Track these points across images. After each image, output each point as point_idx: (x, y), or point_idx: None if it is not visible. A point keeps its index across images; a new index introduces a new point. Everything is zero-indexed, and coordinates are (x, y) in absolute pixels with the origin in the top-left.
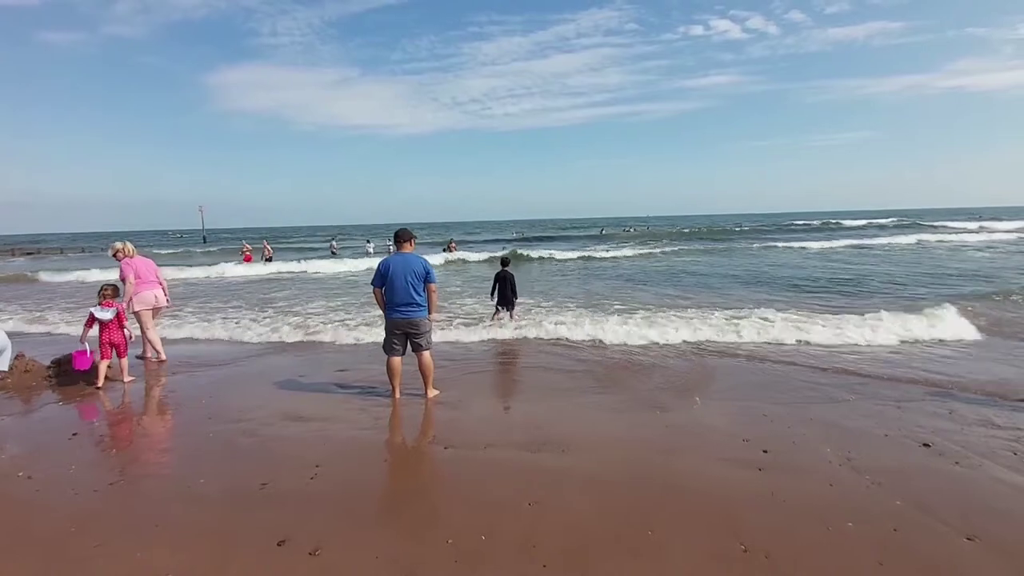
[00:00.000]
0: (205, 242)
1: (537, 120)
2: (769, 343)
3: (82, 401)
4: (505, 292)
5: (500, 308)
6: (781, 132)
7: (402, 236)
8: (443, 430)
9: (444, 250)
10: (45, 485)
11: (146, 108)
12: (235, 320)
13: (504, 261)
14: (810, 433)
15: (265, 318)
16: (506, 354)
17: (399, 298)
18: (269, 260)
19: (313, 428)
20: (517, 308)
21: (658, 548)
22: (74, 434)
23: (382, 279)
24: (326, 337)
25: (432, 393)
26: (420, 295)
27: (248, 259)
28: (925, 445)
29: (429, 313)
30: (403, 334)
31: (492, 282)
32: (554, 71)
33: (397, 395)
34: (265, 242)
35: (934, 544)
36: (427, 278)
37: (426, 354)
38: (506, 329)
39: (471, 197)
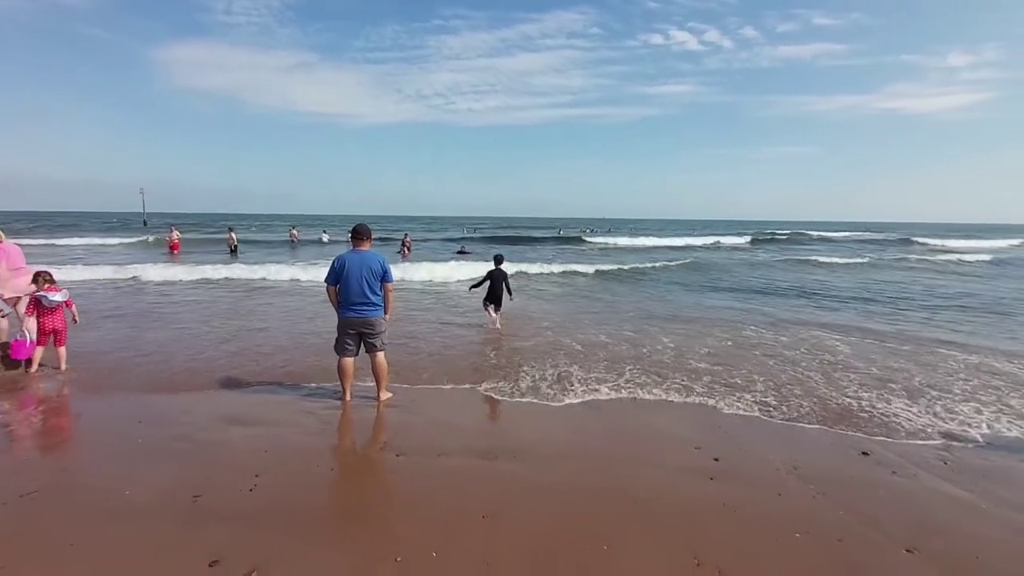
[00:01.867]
0: (146, 226)
1: (501, 118)
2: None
3: (3, 398)
4: (495, 290)
5: (488, 305)
6: (733, 142)
7: (361, 233)
8: (395, 436)
9: (400, 250)
10: None
11: (88, 82)
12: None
13: (498, 259)
14: (757, 440)
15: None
16: (467, 355)
17: (354, 296)
18: (234, 251)
19: (254, 433)
20: (503, 309)
21: (614, 564)
22: None
23: (336, 277)
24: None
25: (385, 396)
26: (376, 294)
27: (175, 247)
28: (864, 454)
29: (385, 313)
30: (357, 334)
31: (481, 279)
32: (518, 69)
33: (348, 398)
34: (231, 231)
35: (876, 556)
36: (384, 277)
37: (380, 355)
38: (495, 327)
39: (432, 193)
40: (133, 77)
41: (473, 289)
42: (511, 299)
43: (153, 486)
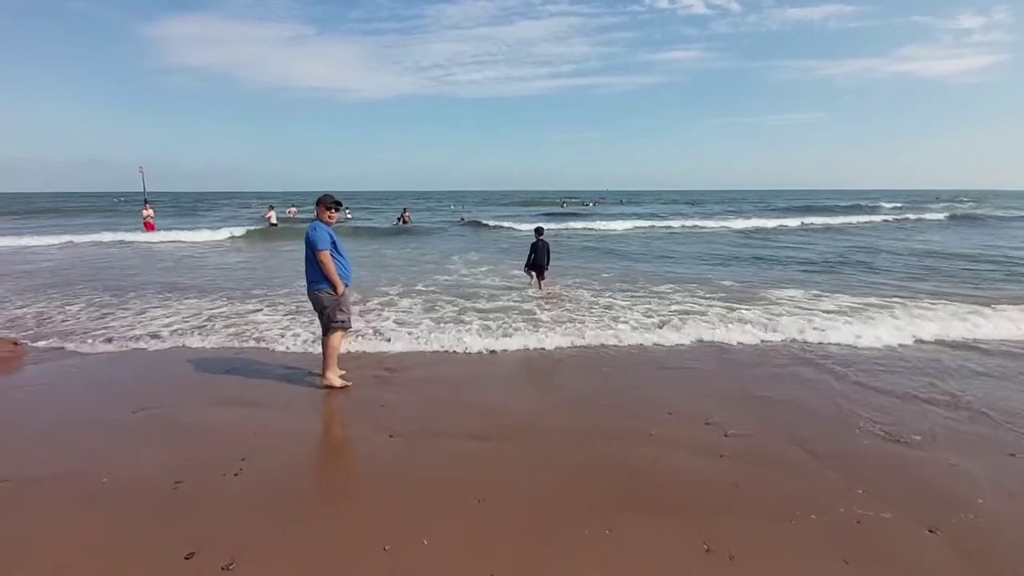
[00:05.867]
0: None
1: (502, 89)
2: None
3: None
4: (539, 259)
5: (530, 272)
6: (740, 110)
7: (319, 202)
8: (388, 416)
9: (398, 220)
10: None
11: (80, 60)
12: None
13: (539, 230)
14: (768, 415)
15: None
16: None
17: (306, 273)
18: (274, 225)
19: (242, 415)
20: (546, 275)
21: (615, 549)
22: None
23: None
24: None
25: (330, 379)
26: (313, 266)
27: (150, 228)
28: (880, 428)
29: (329, 286)
30: (317, 311)
31: (528, 254)
32: (519, 38)
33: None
34: (268, 208)
35: (896, 537)
36: (312, 245)
37: (331, 334)
38: (536, 294)
39: (432, 167)
40: (128, 54)
41: (527, 269)
42: (547, 268)
43: (132, 473)
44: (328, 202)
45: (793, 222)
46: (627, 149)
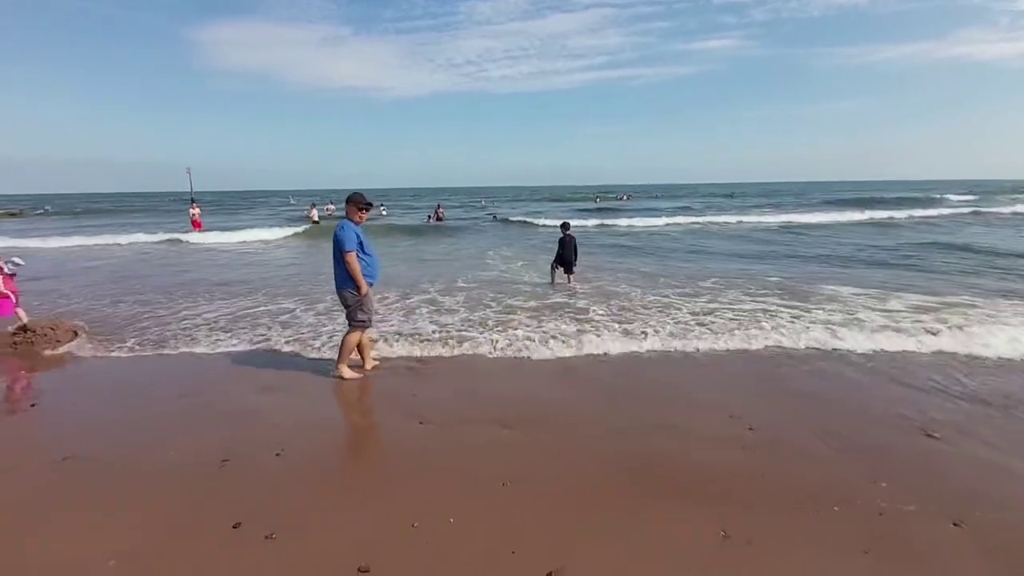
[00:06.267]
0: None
1: (534, 83)
2: None
3: (45, 368)
4: (566, 254)
5: (558, 268)
6: (782, 99)
7: (350, 201)
8: (419, 404)
9: (430, 217)
10: None
11: (129, 65)
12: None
13: (565, 225)
14: (794, 410)
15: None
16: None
17: (334, 271)
18: (315, 223)
19: (281, 403)
20: (575, 271)
21: (633, 534)
22: (32, 405)
23: None
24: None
25: (340, 371)
26: (339, 265)
27: (197, 226)
28: (911, 422)
29: (354, 286)
30: (343, 307)
31: (557, 250)
32: (552, 31)
33: (366, 366)
34: (311, 205)
35: (920, 530)
36: (339, 246)
37: (350, 332)
38: (565, 289)
39: (463, 163)
40: (176, 58)
41: (555, 264)
42: (575, 264)
43: (184, 451)
44: (361, 202)
45: (855, 215)
46: (662, 142)
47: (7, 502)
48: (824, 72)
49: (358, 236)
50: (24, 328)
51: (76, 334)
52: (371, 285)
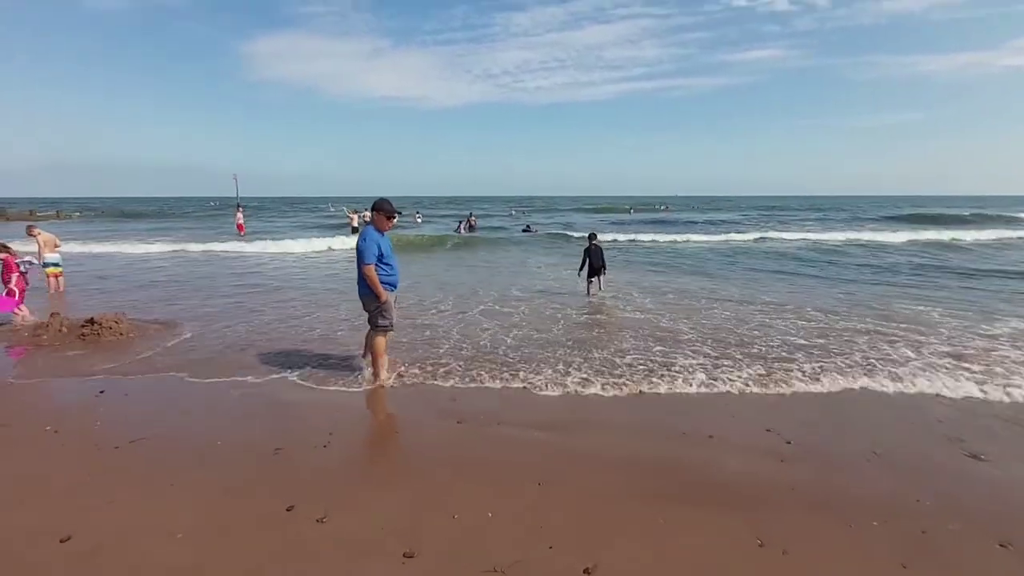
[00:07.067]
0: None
1: (570, 94)
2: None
3: (107, 357)
4: (594, 263)
5: (590, 280)
6: (827, 111)
7: (378, 209)
8: (458, 407)
9: (460, 225)
10: (69, 439)
11: (184, 75)
12: None
13: (591, 236)
14: (835, 423)
15: None
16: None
17: (357, 277)
18: (356, 231)
19: (328, 399)
20: (605, 278)
21: (668, 537)
22: (101, 392)
23: None
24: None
25: (378, 374)
26: (360, 273)
27: (241, 229)
28: (958, 441)
29: (374, 293)
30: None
31: (581, 256)
32: (589, 43)
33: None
34: (352, 211)
35: (964, 549)
36: (360, 258)
37: (374, 336)
38: (596, 297)
39: (497, 173)
40: (226, 69)
41: (582, 272)
42: (604, 273)
43: (241, 439)
44: (389, 211)
45: (911, 234)
46: (700, 153)
47: (83, 480)
48: (873, 83)
49: (379, 246)
50: (91, 320)
51: (118, 323)
52: (393, 291)
